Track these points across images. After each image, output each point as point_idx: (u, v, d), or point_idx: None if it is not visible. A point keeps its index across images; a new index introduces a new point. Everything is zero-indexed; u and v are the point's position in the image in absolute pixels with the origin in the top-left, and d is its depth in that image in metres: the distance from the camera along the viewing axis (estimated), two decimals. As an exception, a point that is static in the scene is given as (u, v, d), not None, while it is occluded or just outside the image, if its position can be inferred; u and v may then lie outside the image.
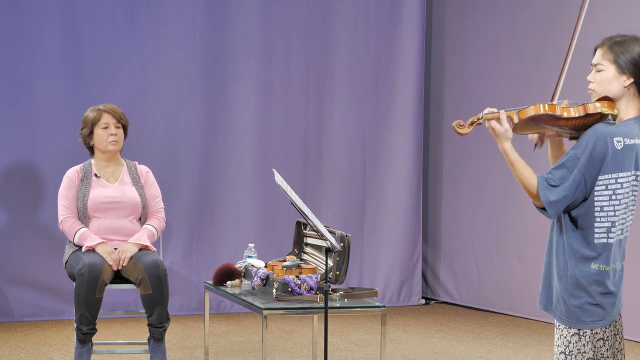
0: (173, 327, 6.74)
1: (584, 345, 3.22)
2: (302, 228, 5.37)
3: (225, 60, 7.53)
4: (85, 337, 5.06)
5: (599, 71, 3.22)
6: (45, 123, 7.06)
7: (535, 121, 3.24)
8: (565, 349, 3.24)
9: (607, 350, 3.25)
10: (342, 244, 4.73)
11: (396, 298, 8.10)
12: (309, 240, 5.32)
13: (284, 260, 5.12)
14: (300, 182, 7.75)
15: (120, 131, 5.44)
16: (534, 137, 3.40)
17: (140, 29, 7.29)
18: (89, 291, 5.00)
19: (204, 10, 7.45)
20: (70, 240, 5.32)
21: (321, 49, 7.85)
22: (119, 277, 5.23)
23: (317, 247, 5.22)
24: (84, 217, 5.31)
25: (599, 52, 3.24)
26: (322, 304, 4.50)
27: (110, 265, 5.13)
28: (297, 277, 4.73)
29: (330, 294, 4.54)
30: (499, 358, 6.17)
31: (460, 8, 8.16)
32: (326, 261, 4.31)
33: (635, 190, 3.21)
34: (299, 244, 5.40)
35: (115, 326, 6.95)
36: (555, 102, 3.30)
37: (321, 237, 4.35)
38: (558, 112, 3.20)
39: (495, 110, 3.28)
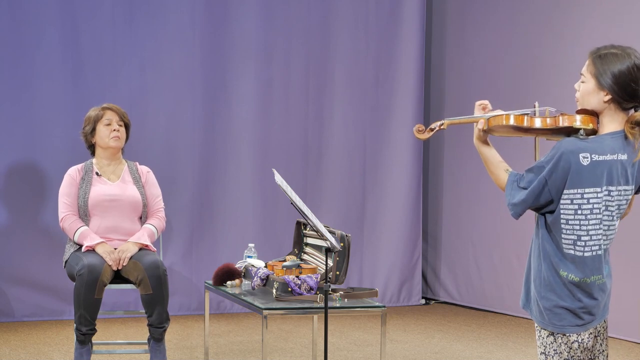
0: (173, 327, 6.74)
1: (559, 345, 3.24)
2: (302, 228, 5.37)
3: (225, 60, 7.53)
4: (84, 338, 5.06)
5: (582, 82, 3.21)
6: (45, 123, 7.06)
7: (507, 129, 3.28)
8: (544, 350, 3.28)
9: (582, 352, 3.24)
10: (342, 244, 4.73)
11: (396, 298, 8.10)
12: (309, 240, 5.32)
13: (284, 260, 5.12)
14: (300, 182, 7.75)
15: (123, 129, 5.45)
16: None
17: (140, 29, 7.29)
18: (89, 292, 5.00)
19: (204, 10, 7.45)
20: (70, 239, 5.32)
21: (321, 49, 7.85)
22: (119, 277, 5.23)
23: (317, 247, 5.22)
24: (84, 215, 5.31)
25: (586, 62, 3.21)
26: (322, 304, 4.50)
27: (110, 266, 5.13)
28: (297, 277, 4.73)
29: (330, 294, 4.54)
30: (499, 358, 6.17)
31: (460, 8, 8.16)
32: (326, 261, 4.31)
33: (613, 206, 3.18)
34: (299, 244, 5.40)
35: (115, 326, 6.95)
36: (530, 110, 3.29)
37: (321, 237, 4.35)
38: (526, 124, 3.23)
39: (466, 116, 3.37)
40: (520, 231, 7.33)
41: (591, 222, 3.16)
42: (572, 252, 3.18)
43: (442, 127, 3.40)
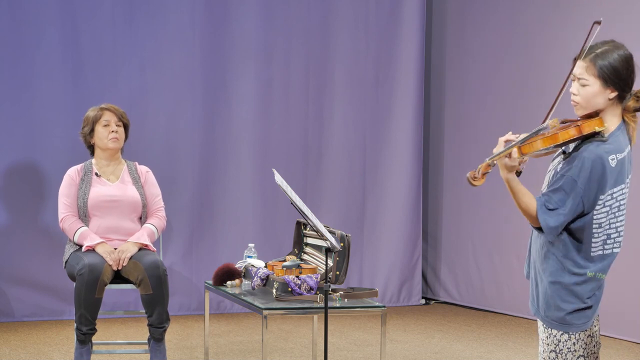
0: (173, 327, 6.74)
1: (573, 344, 3.25)
2: (302, 228, 5.37)
3: (225, 60, 7.53)
4: (85, 337, 5.06)
5: (583, 85, 3.20)
6: (45, 123, 7.06)
7: (538, 152, 3.24)
8: (555, 348, 3.27)
9: (594, 345, 3.29)
10: (342, 244, 4.73)
11: (396, 298, 8.10)
12: (309, 240, 5.32)
13: (284, 260, 5.12)
14: (300, 182, 7.75)
15: (121, 129, 5.45)
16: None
17: (140, 29, 7.29)
18: (89, 291, 5.00)
19: (204, 10, 7.45)
20: (70, 239, 5.32)
21: (321, 49, 7.85)
22: (119, 277, 5.23)
23: (317, 247, 5.22)
24: (84, 215, 5.31)
25: (581, 65, 3.20)
26: (322, 304, 4.50)
27: (110, 265, 5.13)
28: (297, 277, 4.73)
29: (330, 294, 4.54)
30: (499, 358, 6.17)
31: (460, 8, 8.15)
32: (326, 261, 4.31)
33: (625, 198, 3.23)
34: (299, 244, 5.40)
35: (115, 326, 6.95)
36: (545, 126, 3.23)
37: (321, 237, 4.35)
38: (560, 141, 3.18)
39: (502, 150, 3.23)
40: (520, 231, 7.32)
41: (619, 218, 3.21)
42: (600, 252, 3.20)
43: (490, 167, 3.30)
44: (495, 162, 3.25)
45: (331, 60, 7.88)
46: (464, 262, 8.06)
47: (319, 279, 4.73)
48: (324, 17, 7.84)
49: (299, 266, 4.90)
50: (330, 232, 4.62)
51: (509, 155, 3.18)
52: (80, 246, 5.26)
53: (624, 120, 3.22)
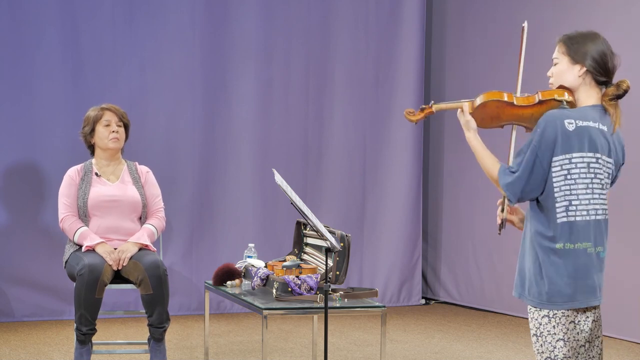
0: (173, 327, 6.74)
1: (553, 327, 3.29)
2: (302, 228, 5.37)
3: (225, 60, 7.53)
4: (85, 338, 5.06)
5: (555, 64, 3.38)
6: (45, 123, 7.06)
7: (492, 110, 3.36)
8: (536, 331, 3.33)
9: (578, 333, 3.28)
10: (342, 244, 4.73)
11: (396, 298, 8.10)
12: (309, 240, 5.32)
13: (284, 260, 5.12)
14: (300, 182, 7.75)
15: (122, 130, 5.45)
16: (501, 216, 3.54)
17: (140, 29, 7.29)
18: (89, 291, 5.00)
19: (204, 10, 7.45)
20: (70, 239, 5.32)
21: (321, 49, 7.85)
22: (119, 277, 5.23)
23: (317, 247, 5.22)
24: (84, 215, 5.31)
25: (556, 47, 3.39)
26: (322, 304, 4.50)
27: (110, 265, 5.13)
28: (297, 277, 4.73)
29: (330, 294, 4.54)
30: (499, 358, 6.17)
31: (460, 8, 8.16)
32: (326, 261, 4.31)
33: (600, 173, 3.28)
34: (299, 244, 5.40)
35: (115, 326, 6.95)
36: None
37: (321, 237, 4.35)
38: (512, 100, 3.34)
39: (451, 101, 3.48)
40: (520, 231, 7.32)
41: (580, 186, 3.25)
42: (565, 219, 3.25)
43: (430, 109, 3.48)
44: (438, 109, 3.47)
45: (331, 60, 7.88)
46: (464, 262, 8.07)
47: (319, 279, 4.73)
48: (324, 17, 7.84)
49: (299, 266, 4.90)
50: (330, 232, 4.62)
51: (462, 109, 3.41)
52: (80, 246, 5.26)
53: (603, 105, 3.32)
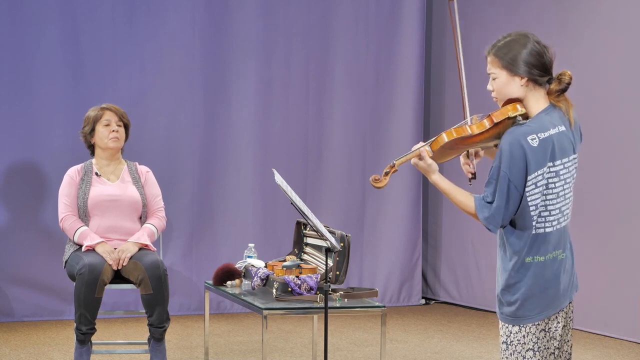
0: (173, 327, 6.74)
1: (524, 336, 3.29)
2: (302, 228, 5.37)
3: (225, 60, 7.53)
4: (84, 337, 5.06)
5: (494, 79, 3.29)
6: (45, 123, 7.06)
7: (451, 147, 3.32)
8: (506, 339, 3.33)
9: (548, 341, 3.27)
10: (342, 244, 4.73)
11: (396, 298, 8.10)
12: (309, 240, 5.32)
13: (284, 260, 5.12)
14: (300, 182, 7.75)
15: (122, 129, 5.46)
16: (467, 169, 3.46)
17: (140, 29, 7.29)
18: (89, 291, 5.00)
19: (204, 10, 7.45)
20: (70, 239, 5.32)
21: (321, 49, 7.85)
22: (119, 277, 5.23)
23: (317, 247, 5.22)
24: (84, 215, 5.32)
25: (488, 61, 3.32)
26: (322, 304, 4.50)
27: (110, 265, 5.13)
28: (297, 277, 4.73)
29: (330, 294, 4.54)
30: (499, 358, 6.16)
31: (460, 8, 8.14)
32: (326, 261, 4.31)
33: (568, 177, 3.24)
34: (299, 244, 5.40)
35: (115, 326, 6.96)
36: (464, 121, 3.34)
37: (321, 237, 4.35)
38: (468, 132, 3.27)
39: (408, 152, 3.43)
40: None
41: (550, 197, 3.22)
42: (536, 231, 3.23)
43: (394, 168, 3.49)
44: (395, 166, 3.45)
45: (331, 61, 7.88)
46: (464, 262, 8.07)
47: (319, 279, 4.74)
48: (324, 17, 7.84)
49: (299, 266, 4.90)
50: (330, 232, 4.62)
51: (419, 157, 3.36)
52: (80, 246, 5.26)
53: (553, 104, 3.26)
